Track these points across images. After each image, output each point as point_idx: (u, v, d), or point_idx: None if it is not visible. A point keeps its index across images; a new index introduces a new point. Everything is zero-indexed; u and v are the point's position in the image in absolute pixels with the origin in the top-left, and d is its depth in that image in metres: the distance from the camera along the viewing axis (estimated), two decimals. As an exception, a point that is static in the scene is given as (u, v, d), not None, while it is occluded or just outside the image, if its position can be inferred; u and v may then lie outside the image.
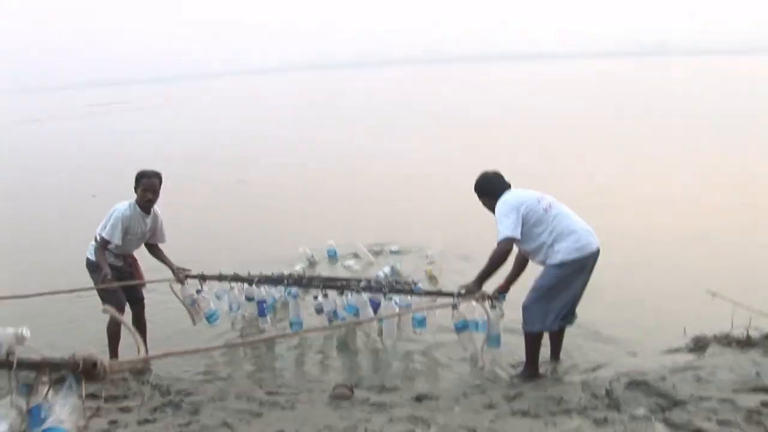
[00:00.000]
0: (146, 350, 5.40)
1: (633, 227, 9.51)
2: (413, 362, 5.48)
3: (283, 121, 32.65)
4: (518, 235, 4.59)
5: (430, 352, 5.61)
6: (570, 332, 5.56)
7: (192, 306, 6.07)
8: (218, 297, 6.25)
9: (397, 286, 5.61)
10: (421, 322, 5.46)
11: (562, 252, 4.57)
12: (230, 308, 6.17)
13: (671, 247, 8.48)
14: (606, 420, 3.48)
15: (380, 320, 5.58)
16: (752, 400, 3.67)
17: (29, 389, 2.45)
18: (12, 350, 2.44)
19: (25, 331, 2.51)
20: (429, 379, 5.11)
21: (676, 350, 5.40)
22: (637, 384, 4.11)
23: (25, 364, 2.40)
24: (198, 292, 6.08)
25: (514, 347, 5.27)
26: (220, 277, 6.22)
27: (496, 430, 3.43)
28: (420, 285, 6.11)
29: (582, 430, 3.37)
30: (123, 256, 5.75)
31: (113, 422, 3.66)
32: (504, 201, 4.70)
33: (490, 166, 5.06)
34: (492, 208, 4.83)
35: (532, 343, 4.85)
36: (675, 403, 3.76)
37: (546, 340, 5.14)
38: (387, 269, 8.09)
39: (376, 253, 9.10)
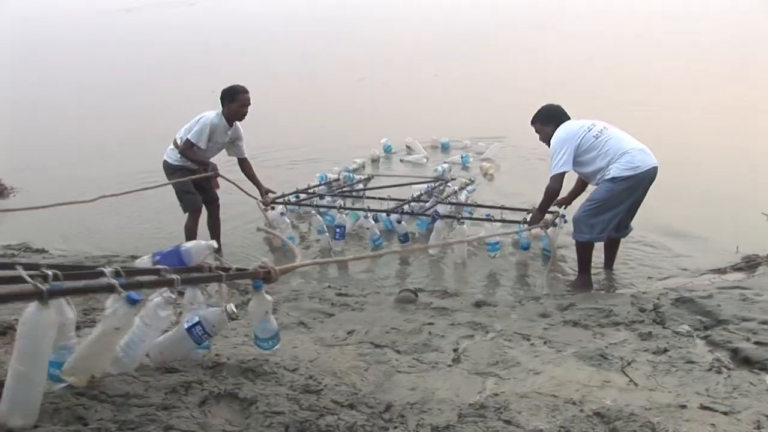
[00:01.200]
0: (220, 249, 5.98)
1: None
2: (475, 273, 5.86)
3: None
4: (569, 169, 4.98)
5: (492, 265, 5.98)
6: (626, 242, 5.86)
7: (275, 227, 6.45)
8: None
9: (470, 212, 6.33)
10: (494, 247, 5.94)
11: (614, 170, 4.84)
12: (318, 231, 6.50)
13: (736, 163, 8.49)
14: (650, 334, 3.76)
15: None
16: (795, 324, 3.89)
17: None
18: (206, 259, 3.00)
19: (214, 244, 3.09)
20: (489, 288, 5.48)
21: (727, 268, 5.60)
22: (684, 301, 4.36)
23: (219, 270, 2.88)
24: (282, 214, 6.48)
25: (573, 262, 5.59)
26: (300, 202, 6.97)
27: (548, 337, 3.75)
28: (475, 184, 7.48)
29: (627, 342, 3.67)
30: (202, 165, 6.15)
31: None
32: (556, 136, 5.03)
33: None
34: (548, 139, 5.17)
35: (582, 252, 5.22)
36: (718, 322, 4.01)
37: (601, 248, 5.48)
38: (445, 166, 8.67)
39: (433, 147, 9.87)
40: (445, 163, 9.03)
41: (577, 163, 5.01)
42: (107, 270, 2.37)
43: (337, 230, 6.39)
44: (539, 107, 5.33)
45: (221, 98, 5.97)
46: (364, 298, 4.66)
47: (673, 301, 4.40)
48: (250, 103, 5.99)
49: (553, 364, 3.33)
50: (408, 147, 9.92)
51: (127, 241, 6.85)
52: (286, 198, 6.88)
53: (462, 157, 9.27)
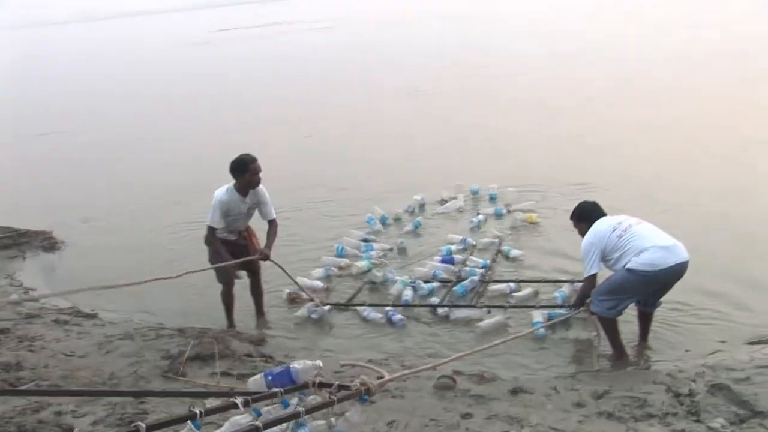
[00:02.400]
0: (263, 313, 6.16)
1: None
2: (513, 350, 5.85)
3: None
4: (598, 270, 5.28)
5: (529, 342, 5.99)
6: (662, 311, 5.88)
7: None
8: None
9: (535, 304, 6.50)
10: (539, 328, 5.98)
11: (632, 263, 5.04)
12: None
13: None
14: (684, 432, 3.82)
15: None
16: (829, 418, 3.91)
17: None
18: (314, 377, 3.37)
19: (320, 363, 3.44)
20: (524, 367, 5.52)
21: (765, 341, 5.58)
22: (720, 388, 4.39)
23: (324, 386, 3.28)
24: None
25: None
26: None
27: (582, 432, 3.85)
28: (507, 243, 7.87)
29: (660, 441, 3.74)
30: (238, 231, 6.35)
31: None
32: (586, 239, 5.37)
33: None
34: (583, 234, 5.48)
35: (606, 327, 5.41)
36: (754, 414, 4.05)
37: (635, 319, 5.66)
38: (480, 217, 8.97)
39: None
40: (479, 214, 9.13)
41: (604, 260, 5.28)
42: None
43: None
44: (576, 204, 5.74)
45: (231, 171, 6.05)
46: (404, 382, 4.76)
47: (709, 387, 4.42)
48: (261, 170, 6.07)
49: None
50: (443, 199, 9.86)
51: (169, 305, 7.11)
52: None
53: (495, 209, 9.26)
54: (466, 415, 4.09)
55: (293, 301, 6.92)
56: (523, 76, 21.35)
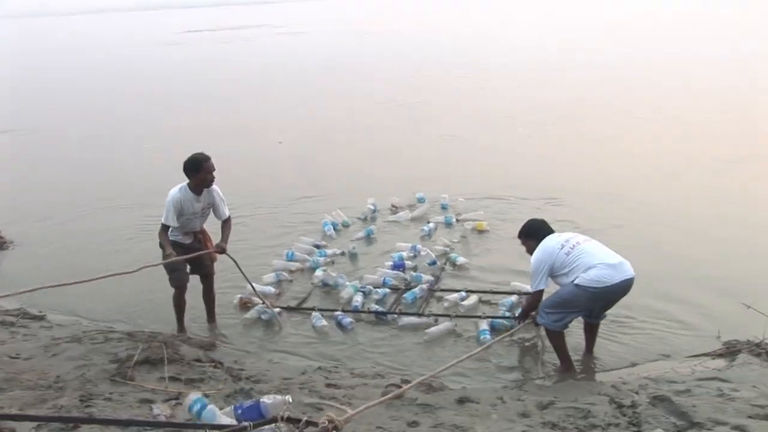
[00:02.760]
0: (214, 318, 6.12)
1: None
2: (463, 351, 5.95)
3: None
4: (545, 286, 5.41)
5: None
6: (609, 325, 6.04)
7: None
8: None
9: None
10: (484, 332, 6.18)
11: (580, 279, 5.16)
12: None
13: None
14: (624, 443, 3.92)
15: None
16: (764, 430, 4.04)
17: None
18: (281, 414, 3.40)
19: (290, 398, 3.68)
20: (472, 377, 5.60)
21: (707, 354, 5.74)
22: (661, 399, 4.52)
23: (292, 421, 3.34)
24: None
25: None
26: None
27: (525, 443, 3.92)
28: (455, 253, 7.95)
29: (601, 453, 3.83)
30: (193, 234, 6.32)
31: (195, 411, 4.25)
32: (535, 256, 5.45)
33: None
34: (531, 251, 5.56)
35: (553, 339, 5.54)
36: (691, 425, 4.17)
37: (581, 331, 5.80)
38: (431, 225, 9.21)
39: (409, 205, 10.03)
40: (429, 222, 9.29)
41: (552, 276, 5.40)
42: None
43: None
44: (525, 222, 5.86)
45: (184, 170, 6.02)
46: (352, 390, 4.79)
47: (651, 399, 4.55)
48: (214, 169, 6.04)
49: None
50: (393, 206, 10.03)
51: (120, 308, 7.07)
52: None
53: (445, 218, 9.42)
54: (413, 423, 4.13)
55: (245, 305, 6.94)
56: (493, 89, 21.73)
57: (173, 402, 4.37)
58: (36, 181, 13.38)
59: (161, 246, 6.17)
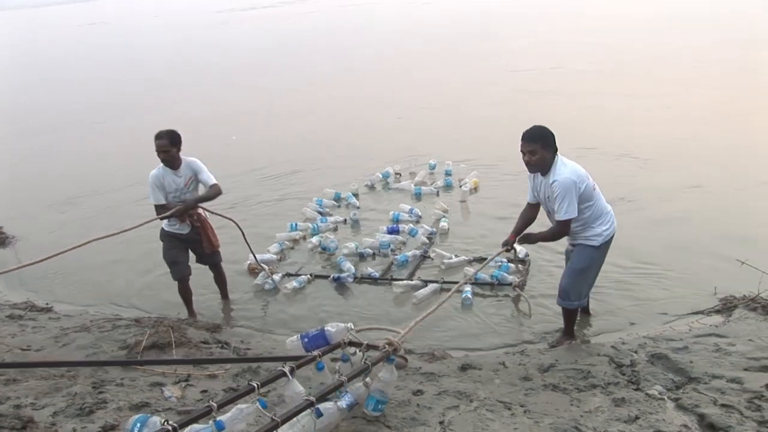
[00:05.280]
0: (227, 296, 6.14)
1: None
2: (462, 321, 6.12)
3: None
4: (576, 214, 4.76)
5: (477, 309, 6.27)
6: (606, 283, 6.23)
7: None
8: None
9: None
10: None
11: (603, 235, 4.94)
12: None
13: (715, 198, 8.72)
14: (624, 400, 4.02)
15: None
16: (759, 382, 4.14)
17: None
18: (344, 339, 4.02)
19: (351, 325, 4.14)
20: (474, 340, 5.76)
21: (704, 311, 5.85)
22: (659, 357, 4.63)
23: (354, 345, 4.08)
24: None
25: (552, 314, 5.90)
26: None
27: (528, 405, 4.02)
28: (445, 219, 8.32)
29: (601, 410, 3.93)
30: (191, 225, 6.19)
31: (204, 392, 4.37)
32: (568, 178, 4.67)
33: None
34: (541, 161, 4.76)
35: (570, 317, 5.39)
36: (689, 380, 4.29)
37: None
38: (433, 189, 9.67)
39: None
40: (434, 187, 9.73)
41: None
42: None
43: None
44: (537, 126, 4.84)
45: None
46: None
47: (649, 357, 4.67)
48: (165, 149, 5.86)
49: (530, 438, 3.59)
50: (397, 174, 10.35)
51: (126, 295, 7.20)
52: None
53: (446, 181, 9.87)
54: (417, 392, 4.22)
55: (253, 271, 7.35)
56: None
57: (183, 384, 4.47)
58: (36, 174, 13.34)
59: (162, 236, 6.24)
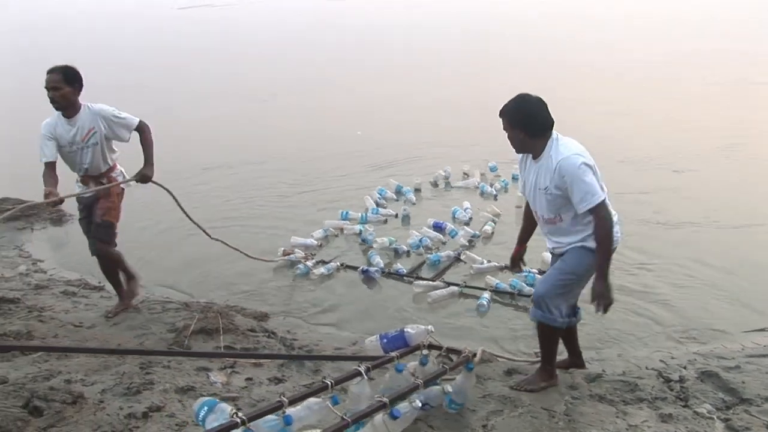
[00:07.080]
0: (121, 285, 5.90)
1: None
2: (508, 323, 6.07)
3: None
4: (605, 191, 3.91)
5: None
6: (655, 301, 6.11)
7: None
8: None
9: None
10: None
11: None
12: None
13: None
14: (671, 416, 3.93)
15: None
16: (815, 408, 4.03)
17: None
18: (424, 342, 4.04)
19: (431, 327, 4.15)
20: (518, 343, 5.70)
21: (759, 330, 5.70)
22: (709, 375, 4.52)
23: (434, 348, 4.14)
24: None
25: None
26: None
27: (572, 414, 3.96)
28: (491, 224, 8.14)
29: (647, 425, 3.85)
30: (93, 183, 5.31)
31: (249, 379, 4.43)
32: (581, 160, 3.79)
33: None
34: (521, 144, 4.02)
35: (549, 339, 4.30)
36: (741, 401, 4.18)
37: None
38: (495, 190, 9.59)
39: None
40: (494, 190, 9.61)
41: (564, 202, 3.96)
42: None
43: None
44: (523, 100, 3.95)
45: None
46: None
47: (699, 374, 4.55)
48: (56, 86, 4.82)
49: (574, 449, 3.54)
50: (465, 174, 10.24)
51: (177, 278, 7.30)
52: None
53: (503, 182, 9.78)
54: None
55: (286, 254, 7.42)
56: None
57: (228, 370, 4.53)
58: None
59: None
